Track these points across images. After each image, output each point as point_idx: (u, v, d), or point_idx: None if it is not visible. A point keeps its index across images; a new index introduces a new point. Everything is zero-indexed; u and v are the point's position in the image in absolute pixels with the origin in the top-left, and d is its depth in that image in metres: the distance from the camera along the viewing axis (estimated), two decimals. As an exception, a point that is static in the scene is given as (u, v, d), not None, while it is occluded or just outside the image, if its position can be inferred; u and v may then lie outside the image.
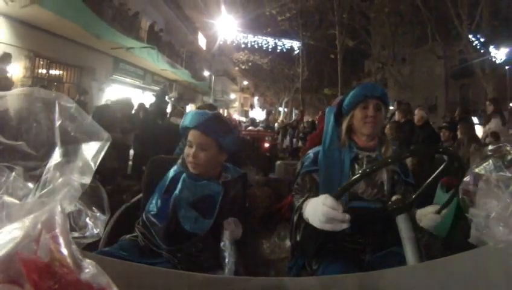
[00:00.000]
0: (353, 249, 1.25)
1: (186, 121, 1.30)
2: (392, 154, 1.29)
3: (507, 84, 12.46)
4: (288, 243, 2.04)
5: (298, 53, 14.45)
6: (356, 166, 1.29)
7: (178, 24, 13.86)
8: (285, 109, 19.61)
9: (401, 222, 1.00)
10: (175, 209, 1.23)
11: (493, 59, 8.77)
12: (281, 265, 1.81)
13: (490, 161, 0.64)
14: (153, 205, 1.26)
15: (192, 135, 1.27)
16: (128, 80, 10.96)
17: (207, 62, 18.07)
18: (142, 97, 10.38)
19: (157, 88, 12.42)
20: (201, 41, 16.14)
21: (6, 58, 5.20)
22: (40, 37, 6.75)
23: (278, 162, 4.79)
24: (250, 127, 10.06)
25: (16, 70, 6.07)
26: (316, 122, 7.68)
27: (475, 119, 6.41)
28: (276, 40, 14.70)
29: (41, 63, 7.28)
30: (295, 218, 1.16)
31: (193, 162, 1.26)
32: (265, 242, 2.11)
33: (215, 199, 1.27)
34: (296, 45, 14.46)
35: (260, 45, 15.05)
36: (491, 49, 8.69)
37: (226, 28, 14.41)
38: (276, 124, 11.78)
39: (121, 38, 7.55)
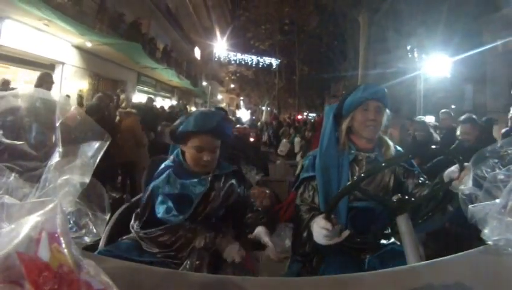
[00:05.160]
0: (353, 248, 1.25)
1: (192, 125, 1.24)
2: (390, 157, 1.28)
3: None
4: (288, 243, 2.03)
5: (275, 68, 19.15)
6: (356, 167, 1.28)
7: (181, 43, 17.51)
8: (269, 108, 22.98)
9: (401, 221, 1.00)
10: (151, 196, 1.27)
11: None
12: (281, 265, 1.81)
13: (489, 161, 0.64)
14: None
15: (202, 140, 1.24)
16: (145, 88, 14.26)
17: (201, 69, 21.73)
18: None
19: (163, 94, 16.36)
20: (197, 52, 19.83)
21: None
22: (96, 60, 9.72)
23: (278, 162, 4.82)
24: (238, 125, 12.39)
25: (84, 85, 9.45)
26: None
27: (431, 119, 6.95)
28: (259, 58, 19.74)
29: (94, 78, 10.37)
30: (304, 234, 1.18)
31: (209, 165, 1.28)
32: (265, 242, 2.09)
33: (193, 200, 1.27)
34: (274, 61, 19.38)
35: (246, 61, 20.00)
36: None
37: (218, 46, 19.29)
38: (259, 123, 14.65)
39: (150, 62, 11.15)
